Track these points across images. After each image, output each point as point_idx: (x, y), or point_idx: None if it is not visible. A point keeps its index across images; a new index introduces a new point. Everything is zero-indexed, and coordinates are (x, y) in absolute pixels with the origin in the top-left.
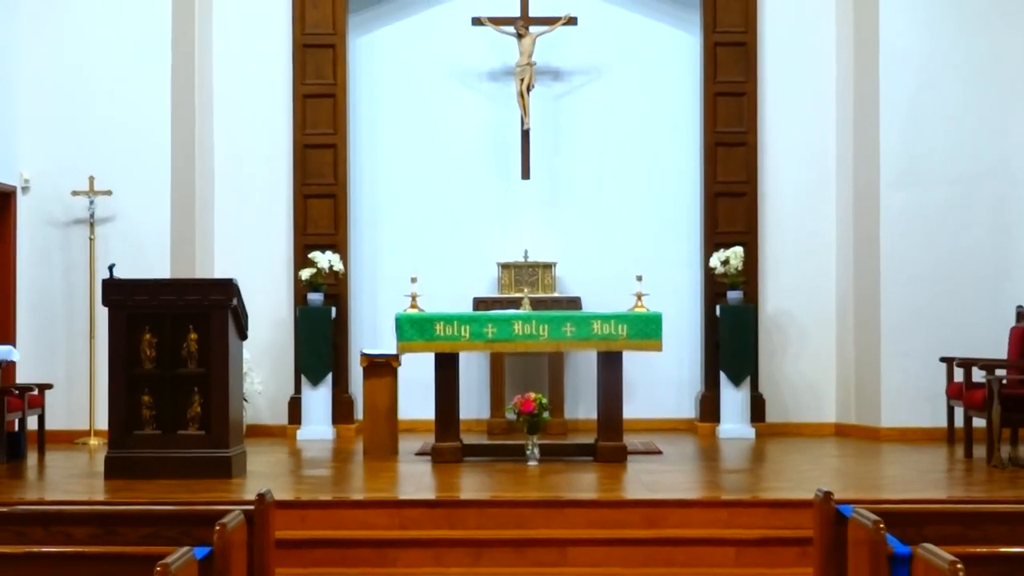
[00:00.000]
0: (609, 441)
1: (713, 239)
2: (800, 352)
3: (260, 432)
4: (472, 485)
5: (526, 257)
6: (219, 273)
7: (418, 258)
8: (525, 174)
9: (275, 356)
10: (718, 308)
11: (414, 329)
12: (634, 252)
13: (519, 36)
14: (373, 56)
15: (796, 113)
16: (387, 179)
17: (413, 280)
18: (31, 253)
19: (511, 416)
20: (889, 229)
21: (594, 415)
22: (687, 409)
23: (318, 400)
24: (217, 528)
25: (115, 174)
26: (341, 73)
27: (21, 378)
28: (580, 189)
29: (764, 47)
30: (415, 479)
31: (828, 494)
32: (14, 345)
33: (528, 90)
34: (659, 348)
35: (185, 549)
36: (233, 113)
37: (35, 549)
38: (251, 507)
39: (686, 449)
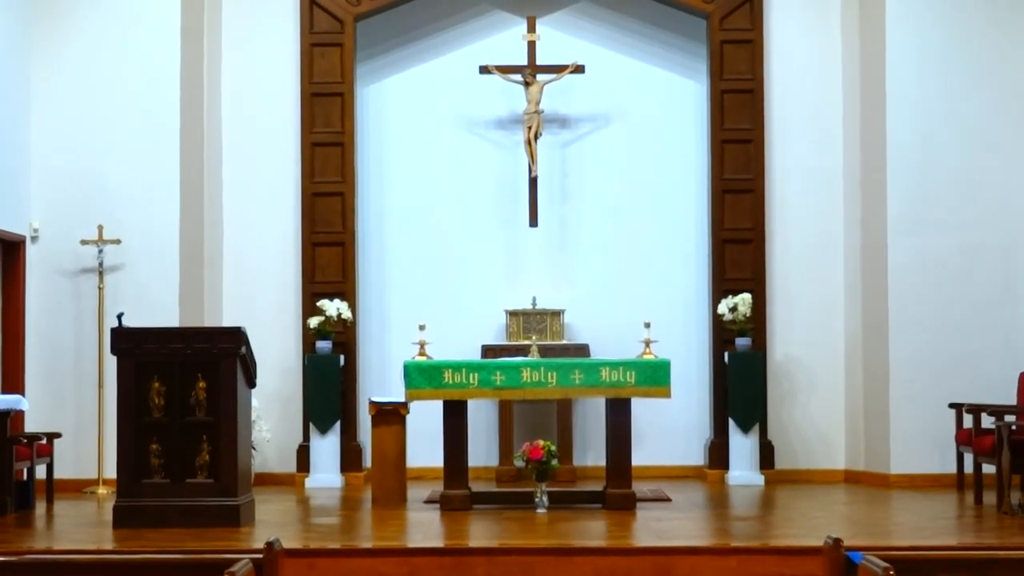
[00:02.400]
0: (618, 488)
1: (721, 286)
2: (809, 399)
3: (268, 480)
4: (481, 533)
5: (534, 304)
6: (228, 321)
7: (426, 306)
8: (533, 222)
9: (283, 404)
10: (726, 355)
11: (422, 377)
12: (642, 299)
13: (526, 84)
14: (381, 105)
15: (803, 160)
16: (395, 227)
17: (421, 328)
18: (40, 302)
19: (520, 463)
20: (897, 275)
21: (603, 462)
22: (696, 456)
23: (326, 448)
24: None
25: (124, 223)
26: (349, 122)
27: (29, 427)
28: (588, 236)
29: (771, 94)
30: (424, 527)
31: (838, 541)
32: (22, 394)
33: (536, 138)
34: (667, 395)
35: None
36: (242, 162)
37: None
38: (260, 555)
39: (695, 496)
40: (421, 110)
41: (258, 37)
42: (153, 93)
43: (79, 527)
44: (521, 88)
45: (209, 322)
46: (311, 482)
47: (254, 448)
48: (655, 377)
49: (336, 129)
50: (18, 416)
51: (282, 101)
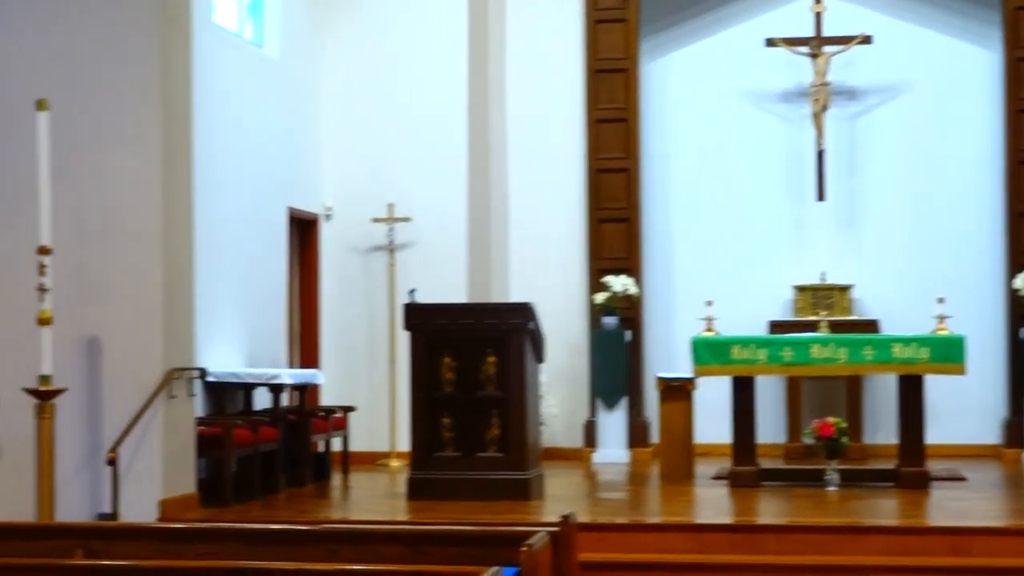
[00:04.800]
0: (910, 467)
1: (1018, 259)
2: None
3: (556, 455)
4: (770, 510)
5: (823, 279)
6: (514, 297)
7: (712, 281)
8: (820, 196)
9: (570, 379)
10: (1023, 330)
11: (710, 353)
12: (934, 273)
13: (813, 56)
14: (665, 80)
15: None
16: (680, 202)
17: (708, 303)
18: (334, 279)
19: (809, 440)
20: None
21: (894, 440)
22: (991, 435)
23: (613, 423)
24: (524, 549)
25: (413, 201)
26: (633, 98)
27: (325, 401)
28: (877, 210)
29: None
30: (712, 503)
31: None
32: (318, 368)
33: (823, 110)
34: (962, 372)
35: (494, 569)
36: (527, 139)
37: (347, 567)
38: (556, 528)
39: (991, 476)
40: (705, 85)
41: (542, 14)
42: (440, 73)
43: (374, 498)
44: (808, 60)
45: (496, 298)
46: (598, 457)
47: (542, 423)
48: (949, 353)
49: (620, 105)
50: (314, 390)
51: (566, 78)
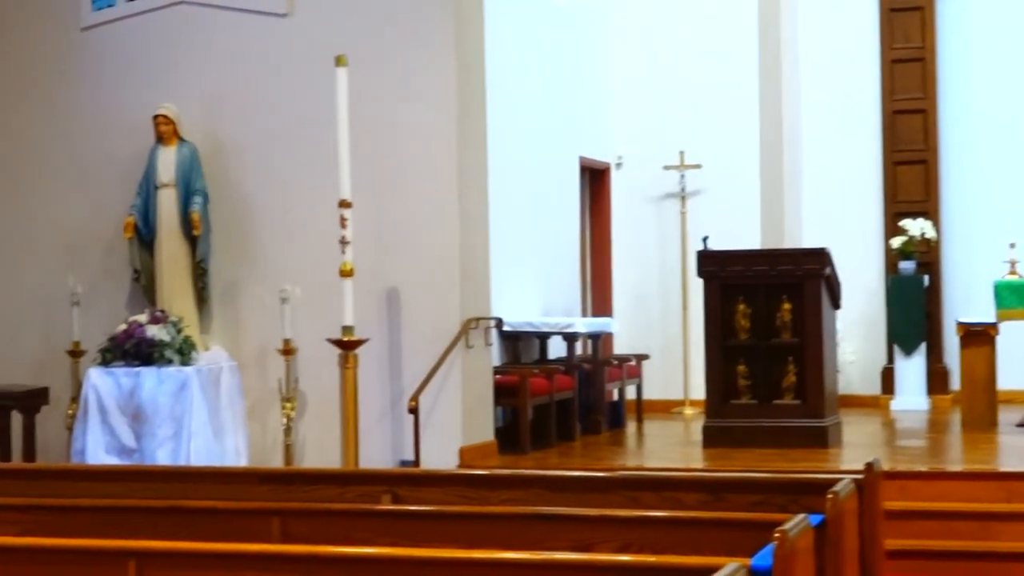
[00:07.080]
0: None
1: None
2: None
3: (852, 402)
4: None
5: None
6: (807, 242)
7: (1014, 223)
8: None
9: (866, 325)
10: None
11: (1014, 296)
12: None
13: None
14: (963, 17)
15: None
16: (979, 143)
17: (1011, 246)
18: (625, 227)
19: None
20: None
21: None
22: None
23: (911, 370)
24: (829, 496)
25: (704, 148)
26: (930, 36)
27: (618, 349)
28: None
29: None
30: (1018, 451)
31: None
32: (612, 317)
33: None
34: None
35: (800, 517)
36: (820, 82)
37: (650, 513)
38: (860, 476)
39: None
40: (1007, 20)
41: None
42: (730, 17)
43: (669, 446)
44: None
45: (789, 244)
46: (896, 404)
47: (838, 370)
48: None
49: (916, 44)
50: (608, 339)
51: (860, 18)
